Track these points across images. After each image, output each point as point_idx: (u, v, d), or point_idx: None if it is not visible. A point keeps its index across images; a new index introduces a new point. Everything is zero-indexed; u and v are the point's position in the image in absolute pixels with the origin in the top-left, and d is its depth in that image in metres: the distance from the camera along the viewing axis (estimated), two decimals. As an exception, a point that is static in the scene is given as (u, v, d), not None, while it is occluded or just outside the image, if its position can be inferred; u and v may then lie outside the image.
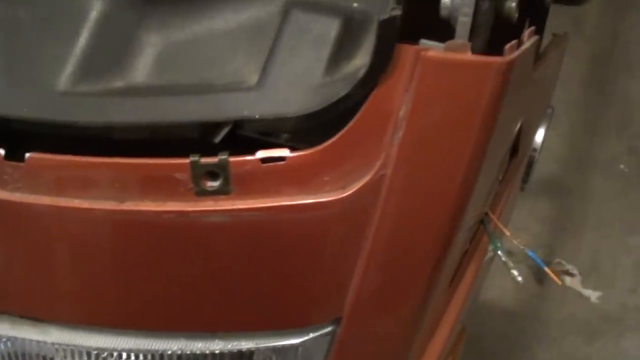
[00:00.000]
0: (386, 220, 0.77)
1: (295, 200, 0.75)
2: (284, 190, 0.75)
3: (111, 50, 0.78)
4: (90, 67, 0.77)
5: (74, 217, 0.78)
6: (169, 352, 0.85)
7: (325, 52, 0.73)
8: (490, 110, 0.73)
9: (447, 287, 0.94)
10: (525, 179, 1.19)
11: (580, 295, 2.17)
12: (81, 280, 0.82)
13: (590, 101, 2.59)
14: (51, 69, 0.76)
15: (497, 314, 2.11)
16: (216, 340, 0.84)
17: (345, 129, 0.73)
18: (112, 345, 0.86)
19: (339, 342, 0.85)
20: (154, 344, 0.85)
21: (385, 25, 0.68)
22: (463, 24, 0.73)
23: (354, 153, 0.74)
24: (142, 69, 0.78)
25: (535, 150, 1.15)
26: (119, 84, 0.77)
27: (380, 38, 0.69)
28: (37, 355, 0.87)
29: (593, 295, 2.17)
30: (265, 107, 0.73)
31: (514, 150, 1.02)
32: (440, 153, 0.75)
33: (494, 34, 0.76)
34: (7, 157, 0.75)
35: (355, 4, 0.75)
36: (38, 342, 0.86)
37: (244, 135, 0.99)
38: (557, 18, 2.65)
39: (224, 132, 1.05)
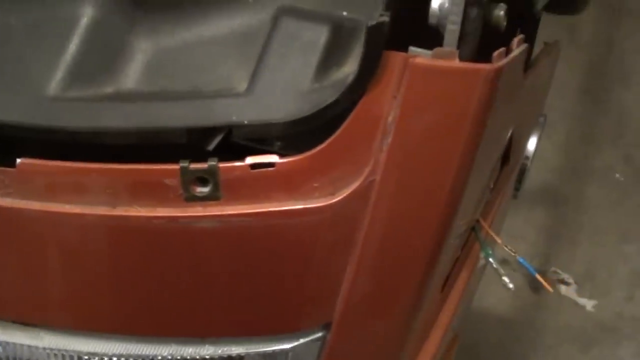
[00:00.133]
0: (376, 226, 0.77)
1: (285, 206, 0.75)
2: (273, 196, 0.76)
3: (101, 56, 0.78)
4: (81, 72, 0.77)
5: (65, 223, 0.78)
6: (160, 357, 0.85)
7: (314, 58, 0.74)
8: (479, 118, 0.74)
9: (438, 293, 0.94)
10: (517, 187, 1.19)
11: (576, 303, 2.17)
12: (72, 285, 0.82)
13: (585, 110, 2.60)
14: (41, 75, 0.77)
15: (493, 322, 2.12)
16: (206, 346, 0.84)
17: (334, 135, 0.74)
18: (103, 350, 0.86)
19: (329, 347, 0.86)
20: (145, 349, 0.85)
21: (373, 31, 0.69)
22: (451, 31, 0.73)
23: (343, 159, 0.75)
24: (132, 75, 0.78)
25: (527, 158, 1.15)
26: (109, 89, 0.77)
27: (368, 44, 0.70)
28: (29, 359, 0.87)
29: (588, 303, 2.17)
30: (254, 113, 0.74)
31: (506, 158, 1.02)
32: (429, 159, 0.75)
33: (485, 43, 0.77)
34: None
35: (344, 12, 0.75)
36: (30, 347, 0.87)
37: (238, 143, 1.00)
38: (552, 27, 2.67)
39: (217, 139, 1.06)
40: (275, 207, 0.76)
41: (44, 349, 0.86)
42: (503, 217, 1.25)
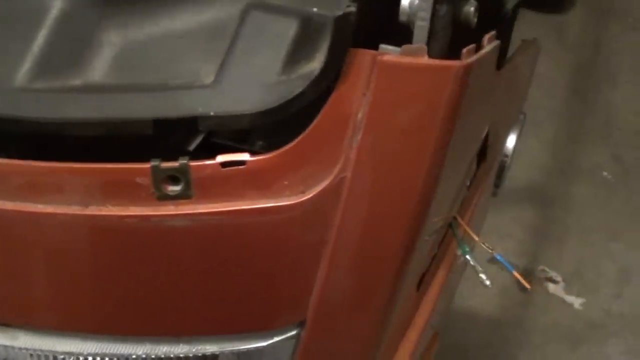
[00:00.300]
0: (347, 223, 0.78)
1: (256, 204, 0.76)
2: (244, 194, 0.76)
3: (69, 48, 0.78)
4: (48, 64, 0.77)
5: (37, 222, 0.78)
6: (134, 356, 0.85)
7: (282, 52, 0.74)
8: (449, 114, 0.74)
9: (414, 291, 0.94)
10: (497, 184, 1.19)
11: (564, 302, 2.18)
12: (47, 285, 0.82)
13: (573, 109, 2.61)
14: (7, 65, 0.77)
15: (481, 322, 2.12)
16: (180, 345, 0.84)
17: (304, 133, 0.74)
18: (79, 350, 0.86)
19: (303, 345, 0.86)
20: (120, 348, 0.85)
21: (340, 22, 0.69)
22: (420, 28, 0.74)
23: (313, 157, 0.75)
24: (99, 67, 0.78)
25: (506, 155, 1.16)
26: (76, 82, 0.77)
27: (335, 35, 0.70)
28: (5, 359, 0.87)
29: (576, 301, 2.18)
30: (220, 104, 0.74)
31: (482, 156, 1.03)
32: (399, 156, 0.76)
33: (458, 40, 0.77)
34: None
35: (314, 9, 0.76)
36: (6, 346, 0.87)
37: (220, 144, 1.00)
38: (540, 27, 2.68)
39: (198, 140, 1.06)
40: (247, 205, 0.76)
41: (20, 348, 0.86)
42: (483, 215, 1.25)
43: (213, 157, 0.75)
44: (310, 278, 0.81)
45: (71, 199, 0.77)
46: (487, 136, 0.98)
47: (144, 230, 0.77)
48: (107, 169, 0.76)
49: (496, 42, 0.83)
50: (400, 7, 0.75)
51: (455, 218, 0.99)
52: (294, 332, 0.85)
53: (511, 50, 1.08)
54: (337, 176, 0.75)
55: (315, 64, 0.74)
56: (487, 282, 0.97)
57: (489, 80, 0.87)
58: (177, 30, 0.79)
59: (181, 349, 0.84)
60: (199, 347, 0.84)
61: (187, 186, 0.75)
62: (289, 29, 0.75)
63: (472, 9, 0.77)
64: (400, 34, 0.76)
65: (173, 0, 0.80)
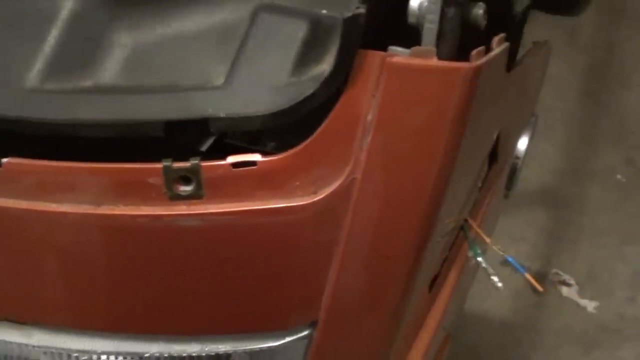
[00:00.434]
0: (358, 224, 0.78)
1: (267, 205, 0.76)
2: (255, 194, 0.76)
3: (81, 49, 0.79)
4: (59, 65, 0.78)
5: (50, 221, 0.79)
6: (148, 355, 0.86)
7: (292, 53, 0.75)
8: (459, 116, 0.74)
9: (426, 292, 0.95)
10: (508, 187, 1.19)
11: (577, 305, 2.17)
12: (60, 283, 0.83)
13: (586, 112, 2.60)
14: (20, 67, 0.78)
15: (494, 324, 2.12)
16: (193, 344, 0.85)
17: (315, 134, 0.75)
18: (93, 348, 0.87)
19: (315, 345, 0.86)
20: (134, 346, 0.86)
21: (349, 23, 0.70)
22: (429, 30, 0.74)
23: (324, 158, 0.76)
24: (110, 69, 0.79)
25: (518, 158, 1.16)
26: (87, 83, 0.78)
27: (344, 36, 0.70)
28: (19, 357, 0.88)
29: (590, 305, 2.17)
30: (231, 106, 0.74)
31: (494, 157, 1.03)
32: (409, 158, 0.76)
33: (468, 43, 0.77)
34: None
35: (324, 11, 0.76)
36: (20, 344, 0.88)
37: (232, 144, 1.01)
38: (552, 29, 2.68)
39: (210, 141, 1.07)
40: (258, 205, 0.76)
41: (34, 346, 0.87)
42: (495, 217, 1.26)
43: (225, 157, 0.76)
44: (322, 278, 0.81)
45: (84, 198, 0.78)
46: (498, 138, 0.98)
47: (155, 229, 0.78)
48: (119, 169, 0.77)
49: (505, 45, 0.84)
50: (409, 9, 0.75)
51: (466, 220, 1.00)
52: (306, 332, 0.85)
53: (522, 52, 1.08)
54: (347, 177, 0.76)
55: (324, 66, 0.74)
56: (499, 285, 0.98)
57: (498, 83, 0.87)
58: (188, 32, 0.80)
59: (194, 348, 0.85)
60: (212, 347, 0.85)
61: (199, 186, 0.76)
62: (299, 30, 0.76)
63: (481, 11, 0.77)
64: (410, 35, 0.77)
65: (184, 2, 0.81)
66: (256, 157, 0.75)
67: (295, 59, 0.75)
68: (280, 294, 0.83)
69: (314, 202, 0.76)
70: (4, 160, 0.76)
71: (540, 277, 2.22)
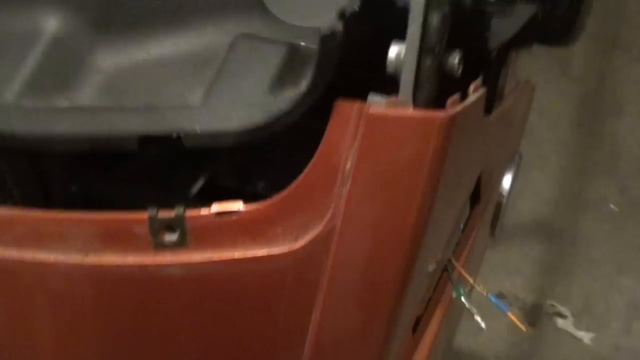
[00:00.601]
0: (338, 269, 0.80)
1: (249, 253, 0.78)
2: (238, 242, 0.78)
3: (59, 72, 0.81)
4: (37, 85, 0.79)
5: (39, 270, 0.81)
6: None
7: (269, 75, 0.77)
8: (436, 164, 0.76)
9: (409, 334, 0.96)
10: (494, 225, 1.21)
11: (573, 337, 2.16)
12: (48, 332, 0.85)
13: (579, 142, 2.62)
14: None
15: (490, 358, 2.11)
16: (181, 389, 0.86)
17: (295, 183, 0.76)
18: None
19: (301, 387, 0.87)
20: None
21: (327, 40, 0.71)
22: (406, 80, 0.76)
23: (304, 206, 0.77)
24: (88, 91, 0.81)
25: (502, 196, 1.17)
26: (64, 102, 0.80)
27: (321, 52, 0.72)
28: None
29: (586, 336, 2.17)
30: (207, 122, 0.75)
31: (476, 198, 1.04)
32: (387, 206, 0.78)
33: (445, 90, 0.79)
34: None
35: (302, 43, 0.78)
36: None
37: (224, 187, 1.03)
38: (544, 59, 2.70)
39: (200, 183, 1.09)
40: (241, 253, 0.78)
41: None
42: (479, 256, 1.27)
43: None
44: (306, 322, 0.83)
45: (72, 247, 0.79)
46: (479, 179, 1.00)
47: (141, 278, 0.80)
48: (106, 219, 0.79)
49: (482, 90, 0.85)
50: (387, 59, 0.77)
51: (450, 261, 1.01)
52: (291, 375, 0.87)
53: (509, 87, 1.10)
54: (327, 224, 0.78)
55: (301, 88, 0.76)
56: (483, 325, 0.99)
57: (477, 127, 0.89)
58: (167, 57, 0.82)
59: (181, 393, 0.86)
60: (198, 391, 0.86)
61: (183, 235, 0.78)
62: (277, 55, 0.78)
63: (457, 59, 0.79)
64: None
65: (164, 29, 0.82)
66: (239, 205, 0.77)
67: (272, 79, 0.76)
68: (265, 339, 0.84)
69: (295, 250, 0.78)
70: (-7, 210, 0.78)
71: (536, 309, 2.22)
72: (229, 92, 0.77)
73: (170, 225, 0.78)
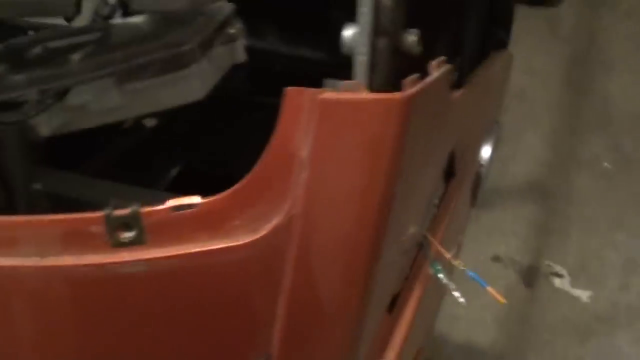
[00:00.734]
0: (302, 258, 0.78)
1: (208, 246, 0.76)
2: (197, 236, 0.76)
3: None
4: None
5: (-1, 275, 0.79)
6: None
7: None
8: (395, 146, 0.74)
9: (385, 313, 0.94)
10: (475, 194, 1.19)
11: (571, 296, 2.16)
12: (9, 336, 0.83)
13: (570, 101, 2.59)
14: None
15: (487, 321, 2.11)
16: (149, 385, 0.85)
17: (251, 173, 0.74)
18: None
19: (272, 378, 0.86)
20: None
21: None
22: (361, 62, 0.74)
23: (262, 196, 0.75)
24: None
25: (482, 166, 1.15)
26: None
27: None
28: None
29: (583, 295, 2.17)
30: None
31: (450, 173, 1.02)
32: (348, 191, 0.76)
33: (413, 69, 0.76)
34: None
35: None
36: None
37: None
38: (532, 20, 2.66)
39: (174, 172, 1.06)
40: (200, 247, 0.76)
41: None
42: (461, 228, 1.25)
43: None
44: (272, 312, 0.81)
45: (29, 250, 0.78)
46: (452, 154, 0.98)
47: (101, 277, 0.78)
48: (61, 220, 0.77)
49: (446, 67, 0.83)
50: (342, 40, 0.75)
51: (425, 237, 0.99)
52: (261, 366, 0.85)
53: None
54: (287, 214, 0.76)
55: None
56: (461, 300, 0.97)
57: (442, 103, 0.86)
58: None
59: (150, 389, 0.85)
60: (168, 387, 0.85)
61: (140, 232, 0.76)
62: None
63: (415, 38, 0.76)
64: None
65: None
66: (195, 199, 0.75)
67: None
68: (232, 332, 0.83)
69: (254, 241, 0.76)
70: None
71: (532, 270, 2.22)
72: None
73: (126, 223, 0.76)
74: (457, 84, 0.91)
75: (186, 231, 0.76)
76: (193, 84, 0.89)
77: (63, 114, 0.91)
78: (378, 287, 0.85)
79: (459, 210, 1.14)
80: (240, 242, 0.76)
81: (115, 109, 0.91)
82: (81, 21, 0.91)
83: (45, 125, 0.91)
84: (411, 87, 0.73)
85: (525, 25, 2.57)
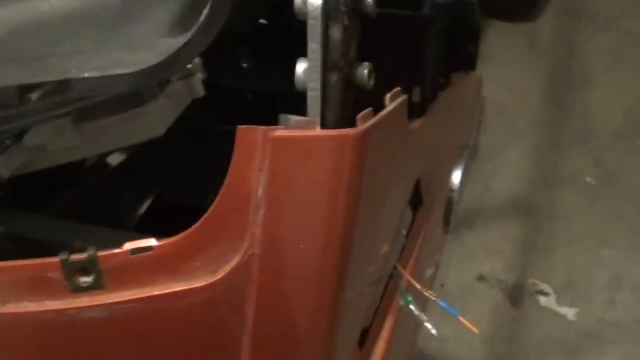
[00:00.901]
0: (263, 297, 0.77)
1: (168, 289, 0.75)
2: (156, 278, 0.76)
3: None
4: None
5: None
6: None
7: (169, 18, 0.72)
8: (351, 182, 0.73)
9: (355, 348, 0.93)
10: (447, 221, 1.18)
11: (557, 314, 2.15)
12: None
13: (550, 116, 2.59)
14: None
15: (474, 341, 2.10)
16: None
17: (207, 213, 0.74)
18: None
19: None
20: None
21: None
22: (312, 97, 0.73)
23: (219, 237, 0.75)
24: None
25: (453, 191, 1.15)
26: None
27: None
28: None
29: (570, 312, 2.15)
30: (98, 67, 0.70)
31: (418, 201, 1.02)
32: (305, 229, 0.75)
33: (370, 102, 0.76)
34: None
35: None
36: None
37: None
38: (511, 36, 2.67)
39: (148, 202, 1.05)
40: (159, 290, 0.76)
41: None
42: (433, 255, 1.24)
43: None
44: (236, 353, 0.80)
45: (-11, 297, 0.77)
46: (418, 183, 0.97)
47: (62, 323, 0.78)
48: (19, 266, 0.76)
49: (401, 98, 0.82)
50: (295, 76, 0.74)
51: (395, 267, 0.99)
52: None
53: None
54: (246, 253, 0.75)
55: (197, 26, 0.70)
56: (433, 331, 0.96)
57: (400, 135, 0.86)
58: (58, 13, 0.76)
59: None
60: None
61: (99, 276, 0.76)
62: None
63: (366, 71, 0.76)
64: None
65: None
66: (152, 242, 0.75)
67: (171, 23, 0.72)
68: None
69: (214, 282, 0.75)
70: None
71: (518, 289, 2.20)
72: (125, 37, 0.72)
73: (84, 268, 0.75)
74: (418, 113, 0.91)
75: (145, 274, 0.75)
76: (152, 121, 0.88)
77: (21, 155, 0.90)
78: (345, 323, 0.84)
79: (430, 238, 1.13)
80: (200, 284, 0.75)
81: (74, 148, 0.90)
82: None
83: (4, 166, 0.90)
84: (364, 122, 0.73)
85: (504, 40, 2.59)
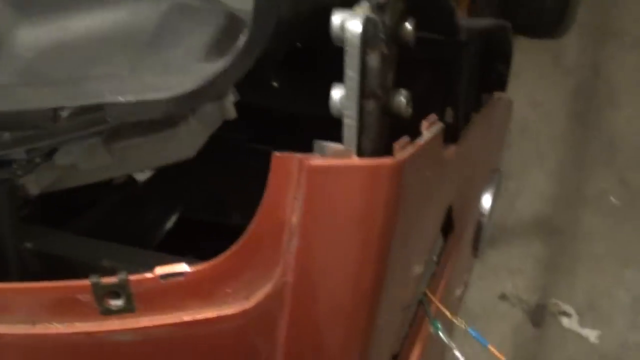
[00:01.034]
0: (295, 324, 0.77)
1: (199, 315, 0.75)
2: (187, 304, 0.75)
3: None
4: None
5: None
6: None
7: (204, 42, 0.72)
8: (387, 212, 0.72)
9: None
10: (476, 246, 1.17)
11: (579, 335, 2.13)
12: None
13: (576, 135, 2.57)
14: None
15: (495, 361, 2.08)
16: None
17: (241, 240, 0.73)
18: None
19: None
20: None
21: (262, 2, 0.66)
22: (349, 125, 0.72)
23: (252, 263, 0.74)
24: (7, 75, 0.76)
25: (483, 215, 1.14)
26: None
27: (257, 13, 0.67)
28: None
29: (592, 334, 2.13)
30: (133, 92, 0.69)
31: (449, 228, 1.01)
32: (339, 258, 0.74)
33: (405, 129, 0.75)
34: None
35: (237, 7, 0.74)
36: None
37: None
38: (536, 53, 2.65)
39: (174, 218, 1.05)
40: (190, 316, 0.75)
41: None
42: (461, 281, 1.23)
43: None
44: (266, 379, 0.80)
45: (18, 318, 0.77)
46: (450, 209, 0.96)
47: (91, 345, 0.77)
48: (50, 287, 0.76)
49: (438, 126, 0.81)
50: (330, 102, 0.73)
51: (425, 294, 0.98)
52: None
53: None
54: (279, 280, 0.74)
55: (235, 52, 0.70)
56: (462, 359, 0.95)
57: (436, 163, 0.85)
58: (94, 34, 0.76)
59: None
60: None
61: (129, 300, 0.75)
62: (213, 22, 0.73)
63: (404, 99, 0.75)
64: None
65: (87, 4, 0.77)
66: (184, 267, 0.74)
67: (207, 47, 0.71)
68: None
69: (246, 310, 0.75)
70: None
71: (540, 309, 2.18)
72: (160, 61, 0.72)
73: (114, 291, 0.75)
74: (452, 137, 0.90)
75: (176, 299, 0.75)
76: (182, 143, 0.88)
77: (52, 173, 0.90)
78: (375, 350, 0.83)
79: (460, 263, 1.12)
80: (232, 311, 0.75)
81: (104, 168, 0.90)
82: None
83: (34, 184, 0.90)
84: (401, 150, 0.72)
85: (529, 57, 2.56)
